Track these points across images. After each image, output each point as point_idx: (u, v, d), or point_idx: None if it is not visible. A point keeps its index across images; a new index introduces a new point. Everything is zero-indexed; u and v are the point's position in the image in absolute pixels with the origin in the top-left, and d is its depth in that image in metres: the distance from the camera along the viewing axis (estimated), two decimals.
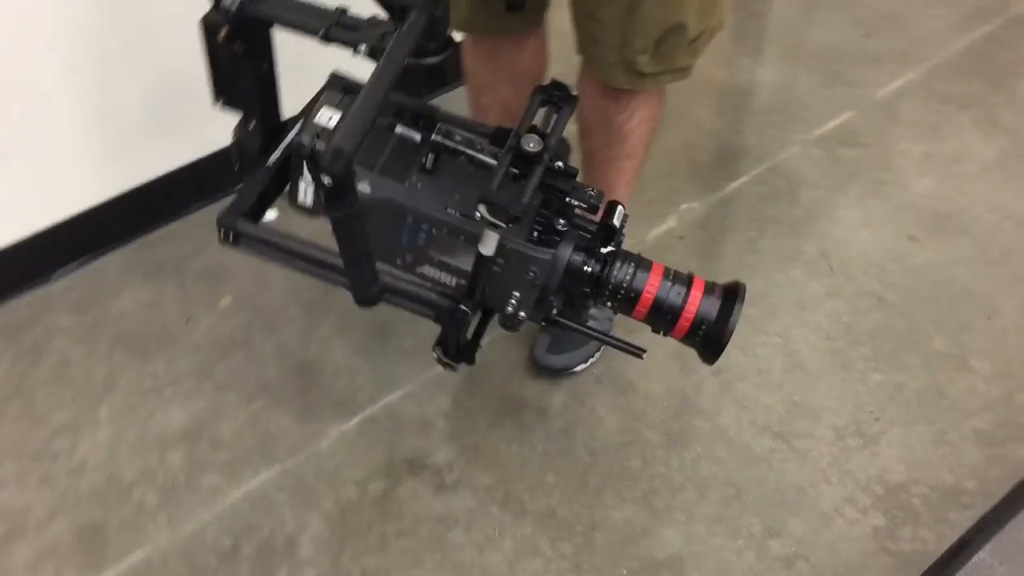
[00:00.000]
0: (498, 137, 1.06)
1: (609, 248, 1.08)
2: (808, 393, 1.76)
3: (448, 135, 1.05)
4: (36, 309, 1.86)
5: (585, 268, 1.09)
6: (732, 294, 1.09)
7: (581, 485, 1.63)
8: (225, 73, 1.07)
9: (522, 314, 1.11)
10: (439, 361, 1.21)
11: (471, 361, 1.25)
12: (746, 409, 1.74)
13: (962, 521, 1.60)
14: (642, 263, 1.11)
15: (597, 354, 1.78)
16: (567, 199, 1.04)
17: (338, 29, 1.00)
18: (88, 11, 1.65)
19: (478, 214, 0.94)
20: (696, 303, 1.09)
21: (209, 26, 1.02)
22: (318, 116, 1.08)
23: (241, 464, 1.64)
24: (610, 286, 1.10)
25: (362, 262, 0.98)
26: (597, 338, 1.23)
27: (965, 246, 2.03)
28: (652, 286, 1.10)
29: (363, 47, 0.99)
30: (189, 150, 1.98)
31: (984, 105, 2.36)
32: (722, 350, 1.10)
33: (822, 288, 1.93)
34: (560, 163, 1.02)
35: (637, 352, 1.19)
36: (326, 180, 0.83)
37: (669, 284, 1.10)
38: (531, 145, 1.00)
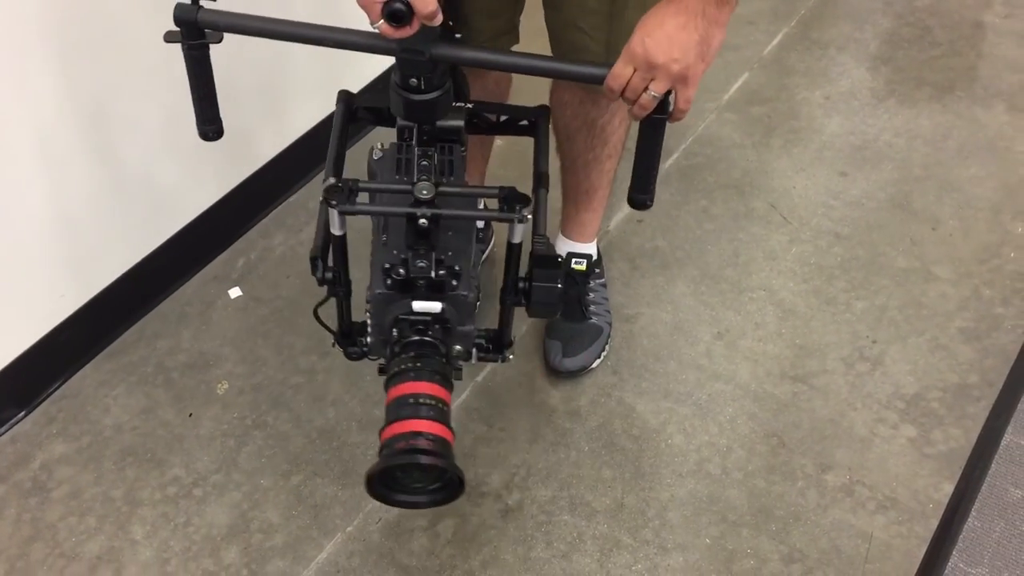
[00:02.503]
0: None
1: None
2: (807, 334, 1.86)
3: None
4: (23, 445, 1.74)
5: None
6: None
7: (637, 472, 1.66)
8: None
9: None
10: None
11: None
12: (758, 363, 1.82)
13: (979, 412, 1.73)
14: None
15: (607, 346, 1.82)
16: None
17: None
18: (43, 119, 1.57)
19: None
20: None
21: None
22: None
23: (302, 543, 1.59)
24: None
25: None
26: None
27: (889, 170, 2.19)
28: None
29: None
30: (143, 247, 1.91)
31: (857, 43, 2.55)
32: None
33: (783, 237, 2.04)
34: None
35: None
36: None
37: None
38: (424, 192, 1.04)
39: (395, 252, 1.08)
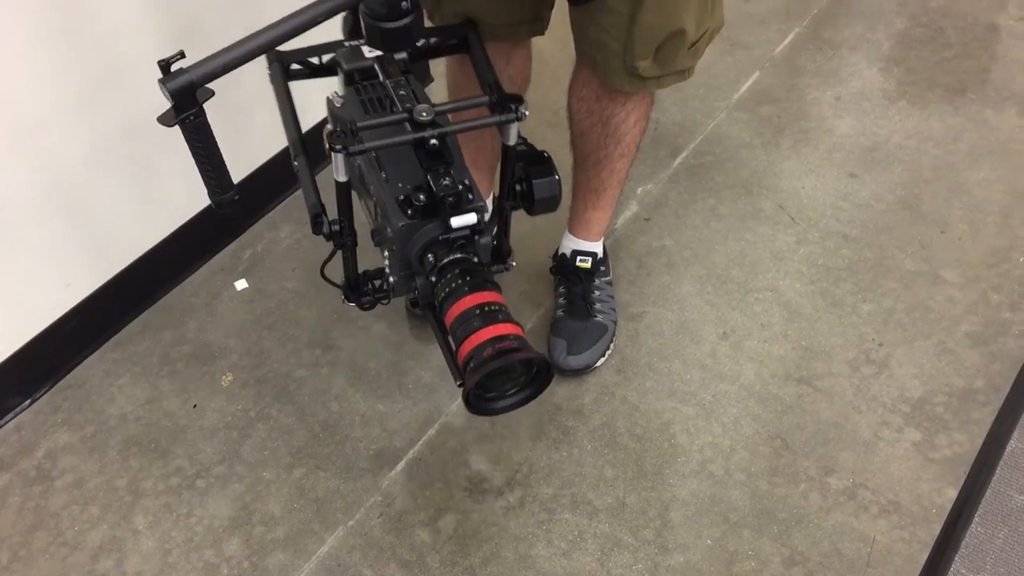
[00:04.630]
0: None
1: None
2: (812, 336, 1.85)
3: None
4: (27, 434, 1.75)
5: None
6: None
7: (640, 472, 1.66)
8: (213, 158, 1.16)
9: None
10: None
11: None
12: (763, 364, 1.81)
13: (984, 417, 1.72)
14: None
15: (612, 345, 1.82)
16: None
17: None
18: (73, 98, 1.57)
19: None
20: None
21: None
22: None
23: (303, 536, 1.60)
24: None
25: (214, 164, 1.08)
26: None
27: (900, 172, 2.17)
28: None
29: None
30: (150, 238, 1.91)
31: (869, 43, 2.53)
32: None
33: (790, 238, 2.04)
34: None
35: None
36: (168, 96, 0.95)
37: None
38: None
39: (405, 183, 1.10)
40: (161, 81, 0.98)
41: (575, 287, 1.82)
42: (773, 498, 1.62)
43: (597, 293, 1.82)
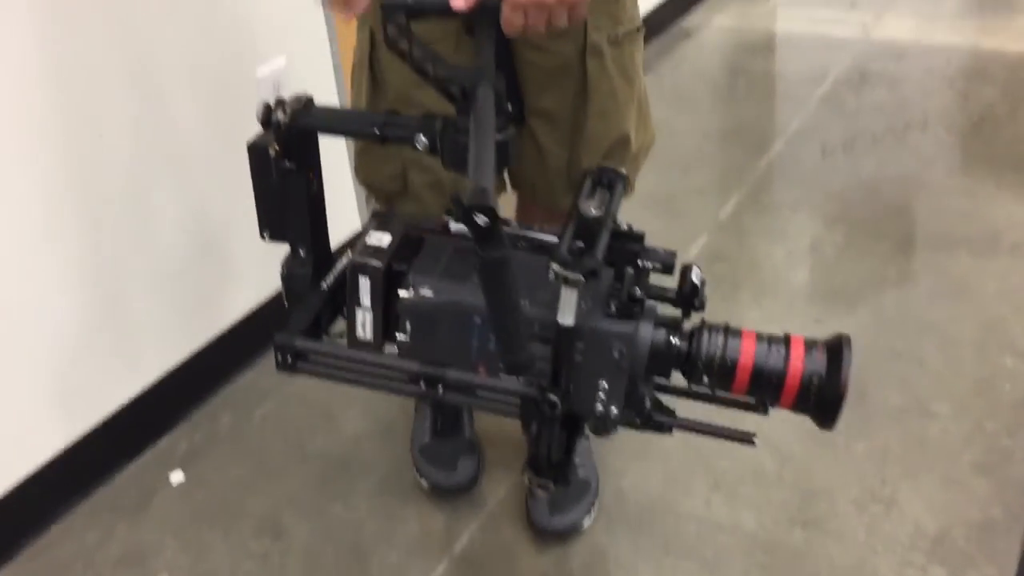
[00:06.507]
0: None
1: (696, 310, 1.01)
2: (810, 478, 1.71)
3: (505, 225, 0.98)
4: None
5: (672, 340, 1.01)
6: (836, 345, 1.03)
7: None
8: (272, 200, 0.98)
9: (614, 410, 1.00)
10: (532, 484, 1.09)
11: (566, 481, 1.13)
12: (762, 510, 1.66)
13: (1011, 547, 1.57)
14: (730, 330, 1.04)
15: (597, 503, 1.65)
16: (639, 261, 0.98)
17: (392, 128, 0.95)
18: None
19: (552, 273, 0.86)
20: (800, 359, 1.01)
21: (258, 149, 0.95)
22: (369, 238, 1.01)
23: None
24: (702, 359, 1.02)
25: (514, 315, 0.86)
26: (701, 431, 1.11)
27: (864, 315, 2.12)
28: (748, 350, 1.02)
29: (421, 138, 0.93)
30: (69, 433, 1.72)
31: (810, 204, 2.56)
32: (841, 406, 1.02)
33: None
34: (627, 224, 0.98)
35: (748, 439, 1.09)
36: (481, 219, 0.75)
37: (766, 346, 1.02)
38: (593, 210, 0.96)
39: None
40: (460, 210, 0.79)
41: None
42: None
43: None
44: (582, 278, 0.85)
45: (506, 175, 1.46)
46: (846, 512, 1.64)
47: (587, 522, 1.62)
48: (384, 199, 1.46)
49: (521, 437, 1.72)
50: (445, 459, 1.71)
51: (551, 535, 1.60)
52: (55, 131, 1.53)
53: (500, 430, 1.80)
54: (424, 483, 1.71)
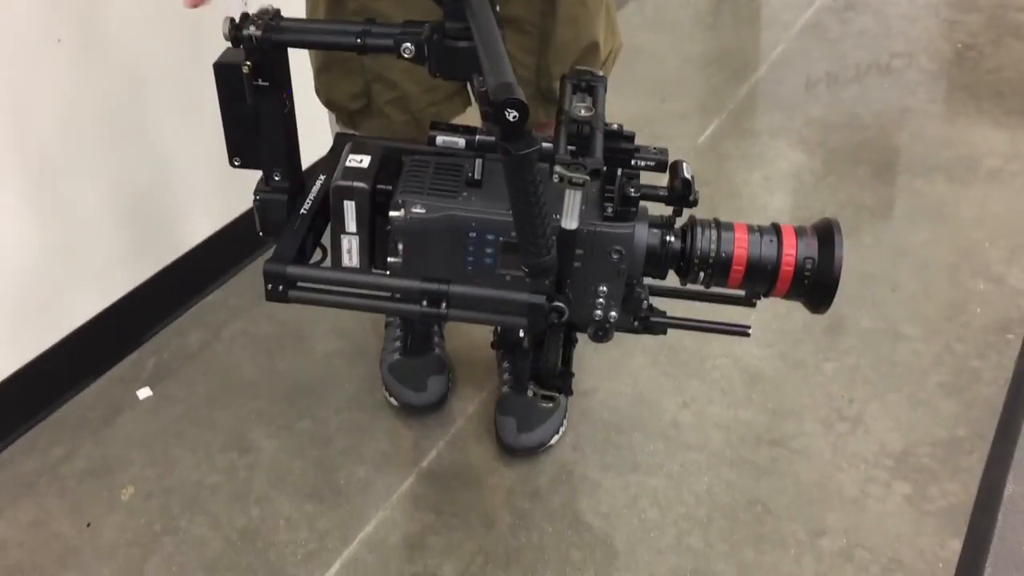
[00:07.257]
0: None
1: (689, 206, 0.99)
2: (779, 398, 1.72)
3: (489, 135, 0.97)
4: None
5: (668, 239, 1.00)
6: (826, 229, 1.02)
7: (610, 552, 1.46)
8: (244, 123, 0.95)
9: (613, 314, 1.00)
10: (536, 395, 1.11)
11: (569, 390, 1.14)
12: (731, 429, 1.66)
13: (973, 465, 1.58)
14: (721, 223, 1.02)
15: (565, 421, 1.65)
16: (632, 160, 0.96)
17: (373, 38, 0.92)
18: None
19: (556, 176, 0.84)
20: (793, 247, 1.01)
21: (226, 67, 0.91)
22: (349, 161, 0.98)
23: None
24: (698, 255, 1.01)
25: (541, 215, 0.84)
26: (696, 327, 1.11)
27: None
28: (741, 242, 1.01)
29: (407, 47, 0.90)
30: (38, 344, 1.70)
31: (789, 130, 2.53)
32: (835, 291, 1.02)
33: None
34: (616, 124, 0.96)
35: (743, 331, 1.09)
36: (511, 114, 0.73)
37: (758, 236, 1.01)
38: (583, 111, 0.94)
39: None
40: (489, 104, 0.79)
41: (521, 361, 1.65)
42: (763, 566, 1.43)
43: None
44: (587, 178, 0.84)
45: (468, 87, 1.42)
46: (813, 431, 1.65)
47: (555, 440, 1.62)
48: (347, 118, 1.42)
49: (491, 356, 1.72)
50: (415, 378, 1.69)
51: (519, 452, 1.60)
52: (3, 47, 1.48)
53: (470, 348, 1.79)
54: (394, 402, 1.70)
